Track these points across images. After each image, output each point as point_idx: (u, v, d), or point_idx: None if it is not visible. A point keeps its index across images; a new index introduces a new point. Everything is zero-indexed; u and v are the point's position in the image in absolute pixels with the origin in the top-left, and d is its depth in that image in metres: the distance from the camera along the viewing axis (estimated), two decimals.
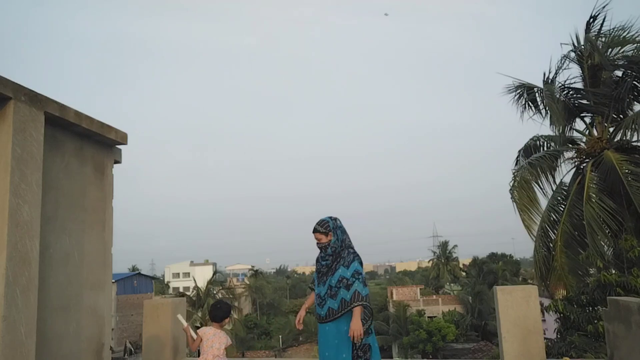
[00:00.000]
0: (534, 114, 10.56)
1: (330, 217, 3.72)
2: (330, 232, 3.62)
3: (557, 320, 8.56)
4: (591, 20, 9.28)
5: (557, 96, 9.78)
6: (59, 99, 4.01)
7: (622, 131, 9.17)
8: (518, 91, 10.63)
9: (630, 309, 4.14)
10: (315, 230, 3.65)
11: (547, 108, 10.24)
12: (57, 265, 3.92)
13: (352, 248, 3.65)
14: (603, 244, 8.23)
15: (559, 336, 8.41)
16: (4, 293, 3.28)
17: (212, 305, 4.31)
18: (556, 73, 9.81)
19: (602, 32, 9.24)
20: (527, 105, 10.60)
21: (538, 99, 10.55)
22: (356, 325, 3.26)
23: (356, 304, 3.33)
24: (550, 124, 10.21)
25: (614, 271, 8.22)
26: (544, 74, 10.06)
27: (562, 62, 9.75)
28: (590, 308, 8.05)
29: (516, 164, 10.69)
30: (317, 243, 3.66)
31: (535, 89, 10.56)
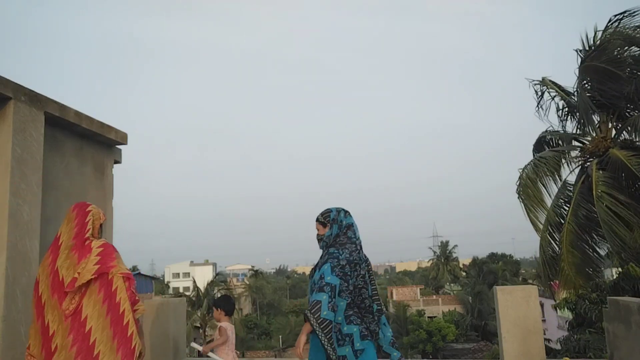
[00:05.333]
0: (543, 109, 10.58)
1: (337, 208, 3.31)
2: (328, 223, 3.23)
3: (572, 317, 8.55)
4: (614, 18, 9.13)
5: (570, 95, 9.85)
6: (60, 99, 4.02)
7: (627, 130, 9.18)
8: (540, 87, 10.68)
9: (630, 309, 4.14)
10: (316, 219, 3.31)
11: (563, 108, 10.35)
12: None
13: (337, 249, 3.14)
14: (622, 241, 8.19)
15: (570, 333, 8.42)
16: (4, 293, 3.28)
17: (226, 300, 4.33)
18: (584, 59, 9.65)
19: (618, 29, 9.13)
20: (540, 103, 10.64)
21: (547, 96, 10.62)
22: (297, 341, 2.91)
23: (305, 312, 2.92)
24: (578, 119, 10.16)
25: (620, 269, 8.21)
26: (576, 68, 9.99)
27: (580, 59, 9.67)
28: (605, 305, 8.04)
29: (534, 156, 10.74)
30: (316, 234, 3.30)
31: (549, 88, 10.61)
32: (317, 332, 2.85)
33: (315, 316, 2.83)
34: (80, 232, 2.79)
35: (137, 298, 2.78)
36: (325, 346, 2.88)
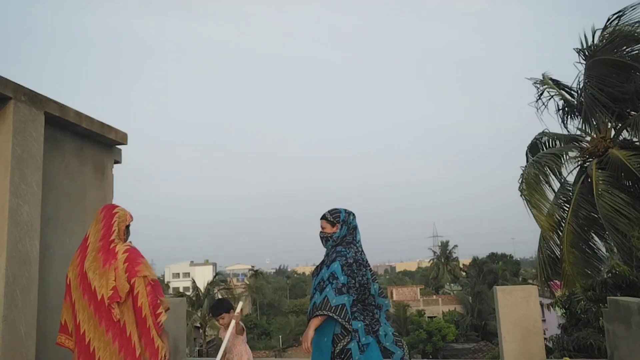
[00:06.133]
0: (542, 109, 10.58)
1: (345, 210, 3.39)
2: (337, 223, 3.31)
3: (563, 315, 8.58)
4: (614, 16, 9.09)
5: (572, 95, 9.88)
6: (61, 99, 4.02)
7: (627, 130, 9.18)
8: (540, 86, 10.69)
9: (630, 309, 4.14)
10: (323, 217, 3.37)
11: (563, 107, 10.37)
12: (57, 265, 3.91)
13: (345, 247, 3.23)
14: (624, 237, 8.21)
15: (562, 332, 8.45)
16: (4, 293, 3.28)
17: (228, 301, 4.32)
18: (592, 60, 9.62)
19: (618, 27, 9.10)
20: (539, 102, 10.65)
21: (547, 95, 10.65)
22: (304, 336, 2.98)
23: (318, 313, 2.96)
24: (583, 120, 10.17)
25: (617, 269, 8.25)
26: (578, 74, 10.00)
27: (580, 58, 9.65)
28: (601, 304, 8.05)
29: (527, 161, 10.74)
30: (320, 232, 3.37)
31: (549, 87, 10.64)
32: (351, 331, 3.02)
33: (346, 319, 2.98)
34: (106, 234, 2.90)
35: (158, 302, 2.86)
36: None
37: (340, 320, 2.95)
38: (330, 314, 2.95)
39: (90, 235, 2.95)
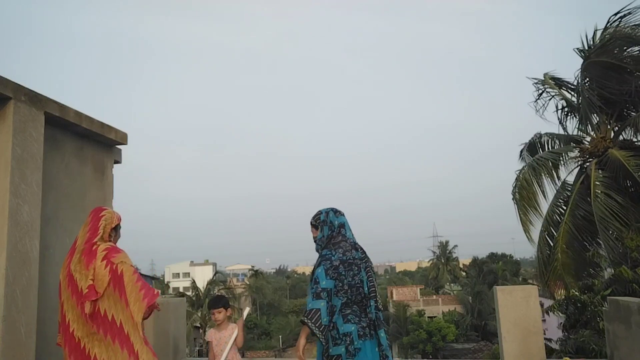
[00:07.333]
0: (542, 109, 10.61)
1: (326, 209, 3.31)
2: (319, 225, 3.26)
3: (565, 319, 8.60)
4: (615, 16, 9.03)
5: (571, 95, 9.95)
6: (61, 99, 4.02)
7: (627, 130, 9.19)
8: (540, 86, 10.73)
9: (630, 309, 4.14)
10: (310, 223, 3.34)
11: (563, 108, 10.41)
12: (57, 265, 3.90)
13: (330, 249, 3.10)
14: (617, 240, 8.22)
15: (565, 333, 8.46)
16: (4, 293, 3.28)
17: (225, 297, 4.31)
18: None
19: (618, 28, 9.06)
20: (539, 102, 10.69)
21: (547, 95, 10.68)
22: (296, 345, 2.99)
23: (300, 319, 2.96)
24: (580, 121, 10.19)
25: (612, 270, 8.27)
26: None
27: (581, 58, 9.65)
28: (600, 306, 8.04)
29: (520, 158, 10.74)
30: (312, 238, 3.33)
31: (549, 87, 10.66)
32: (320, 337, 2.90)
33: (317, 324, 2.87)
34: (91, 236, 3.01)
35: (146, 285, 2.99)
36: (325, 346, 2.99)
37: (310, 324, 2.86)
38: (302, 318, 2.91)
39: (79, 238, 3.06)
